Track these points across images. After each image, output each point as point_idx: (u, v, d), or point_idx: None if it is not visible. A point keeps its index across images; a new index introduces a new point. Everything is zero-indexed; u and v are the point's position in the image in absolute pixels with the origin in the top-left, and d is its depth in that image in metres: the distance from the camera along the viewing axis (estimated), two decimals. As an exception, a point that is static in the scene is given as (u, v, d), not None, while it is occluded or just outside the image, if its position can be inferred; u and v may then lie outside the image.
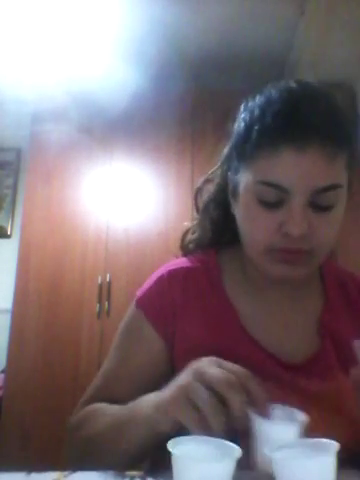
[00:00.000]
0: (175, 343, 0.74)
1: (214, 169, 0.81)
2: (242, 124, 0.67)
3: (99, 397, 0.75)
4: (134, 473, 0.59)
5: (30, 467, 0.62)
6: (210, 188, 0.82)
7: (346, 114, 0.66)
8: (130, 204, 2.45)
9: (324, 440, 0.50)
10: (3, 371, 2.30)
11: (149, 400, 0.60)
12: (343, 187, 0.64)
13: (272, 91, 0.65)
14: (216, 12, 2.24)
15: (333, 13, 2.04)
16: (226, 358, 0.67)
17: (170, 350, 0.74)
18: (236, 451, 0.48)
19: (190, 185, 2.39)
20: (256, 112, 0.64)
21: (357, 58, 2.30)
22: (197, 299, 0.75)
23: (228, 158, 0.74)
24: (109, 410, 0.69)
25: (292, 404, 0.65)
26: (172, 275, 0.77)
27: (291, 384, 0.67)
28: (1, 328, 2.43)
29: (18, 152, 2.95)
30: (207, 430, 0.50)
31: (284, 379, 0.67)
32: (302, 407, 0.66)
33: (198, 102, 2.51)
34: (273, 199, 0.63)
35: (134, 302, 0.78)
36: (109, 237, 2.40)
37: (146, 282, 0.80)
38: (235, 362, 0.67)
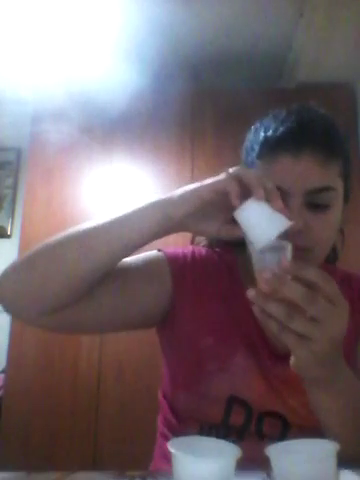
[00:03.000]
0: (186, 319, 0.78)
1: None
2: (248, 142, 0.78)
3: None
4: (134, 473, 0.60)
5: (30, 467, 0.62)
6: None
7: (341, 132, 0.77)
8: (130, 204, 2.45)
9: (324, 440, 0.50)
10: (3, 371, 2.30)
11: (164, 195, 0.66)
12: (336, 191, 0.72)
13: (276, 113, 0.76)
14: (216, 12, 2.24)
15: (332, 13, 2.04)
16: (232, 336, 0.76)
17: (171, 302, 0.78)
18: (236, 451, 0.48)
19: (190, 185, 2.39)
20: (259, 129, 0.76)
21: (357, 58, 2.30)
22: (214, 278, 0.81)
23: None
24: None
25: (275, 391, 0.73)
26: (196, 250, 0.85)
27: (275, 371, 0.74)
28: (1, 328, 2.43)
29: (18, 152, 2.95)
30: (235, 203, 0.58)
31: (270, 366, 0.74)
32: (284, 392, 0.73)
33: (198, 102, 2.51)
34: None
35: (155, 251, 0.82)
36: (109, 237, 2.40)
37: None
38: (238, 343, 0.75)
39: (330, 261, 0.91)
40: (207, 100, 2.50)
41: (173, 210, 0.63)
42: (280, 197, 0.59)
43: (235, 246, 0.84)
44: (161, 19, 2.24)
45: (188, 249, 0.85)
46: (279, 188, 0.68)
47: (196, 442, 0.51)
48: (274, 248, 0.57)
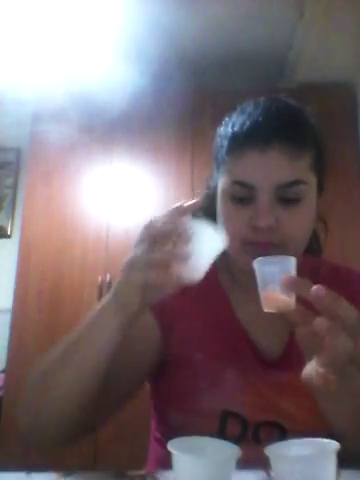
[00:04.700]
0: (172, 337, 0.76)
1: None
2: (218, 138, 0.77)
3: None
4: (134, 473, 0.59)
5: (30, 467, 0.62)
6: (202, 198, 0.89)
7: (314, 124, 0.74)
8: (130, 204, 2.45)
9: (324, 440, 0.50)
10: (3, 371, 2.31)
11: (104, 299, 0.61)
12: (308, 184, 0.69)
13: (244, 107, 0.74)
14: (216, 12, 2.24)
15: (332, 13, 2.04)
16: (219, 349, 0.74)
17: (165, 341, 0.76)
18: (236, 450, 0.48)
19: (190, 185, 2.39)
20: (229, 125, 0.73)
21: (357, 58, 2.30)
22: (195, 295, 0.78)
23: (211, 174, 0.81)
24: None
25: (269, 401, 0.71)
26: None
27: (266, 378, 0.72)
28: (1, 328, 2.43)
29: (18, 152, 2.95)
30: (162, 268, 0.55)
31: (260, 373, 0.73)
32: (279, 398, 0.71)
33: (198, 102, 2.51)
34: (244, 196, 0.69)
35: None
36: (109, 237, 2.40)
37: None
38: (226, 355, 0.74)
39: (315, 253, 0.89)
40: (207, 100, 2.50)
41: (125, 295, 0.58)
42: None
43: None
44: (161, 19, 2.24)
45: None
46: (248, 184, 0.68)
47: (196, 442, 0.51)
48: (276, 262, 0.56)
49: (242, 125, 0.70)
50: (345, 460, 0.50)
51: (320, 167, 0.73)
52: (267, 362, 0.74)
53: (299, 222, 0.69)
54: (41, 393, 0.64)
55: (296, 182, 0.68)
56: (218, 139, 0.76)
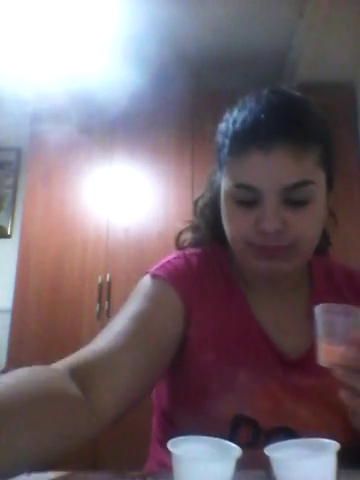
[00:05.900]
0: (190, 327, 0.72)
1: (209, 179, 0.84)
2: (219, 135, 0.72)
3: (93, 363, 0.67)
4: (134, 473, 0.59)
5: (30, 467, 0.62)
6: (206, 194, 0.85)
7: (320, 116, 0.70)
8: (130, 204, 2.45)
9: (324, 440, 0.50)
10: (3, 371, 2.30)
11: None
12: (315, 183, 0.66)
13: (245, 101, 0.70)
14: (216, 12, 2.24)
15: (332, 13, 2.04)
16: (235, 349, 0.71)
17: (187, 323, 0.72)
18: (236, 451, 0.48)
19: (190, 185, 2.39)
20: (230, 121, 0.69)
21: (357, 58, 2.30)
22: (210, 283, 0.76)
23: (215, 169, 0.78)
24: None
25: (285, 405, 0.68)
26: (188, 256, 0.78)
27: (286, 380, 0.69)
28: (1, 328, 2.43)
29: (18, 152, 2.95)
30: None
31: (280, 375, 0.69)
32: (296, 403, 0.68)
33: (198, 102, 2.51)
34: (248, 199, 0.66)
35: (148, 275, 0.75)
36: (109, 237, 2.40)
37: (159, 262, 0.78)
38: (242, 355, 0.70)
39: (323, 247, 0.86)
40: (207, 100, 2.50)
41: None
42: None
43: (222, 241, 0.79)
44: (161, 19, 2.24)
45: (180, 257, 0.78)
46: (252, 187, 0.65)
47: (196, 442, 0.51)
48: (344, 313, 0.52)
49: (243, 123, 0.66)
50: (345, 460, 0.50)
51: (329, 161, 0.69)
52: (288, 363, 0.70)
53: (308, 223, 0.66)
54: None
55: (303, 183, 0.64)
56: (219, 136, 0.72)
